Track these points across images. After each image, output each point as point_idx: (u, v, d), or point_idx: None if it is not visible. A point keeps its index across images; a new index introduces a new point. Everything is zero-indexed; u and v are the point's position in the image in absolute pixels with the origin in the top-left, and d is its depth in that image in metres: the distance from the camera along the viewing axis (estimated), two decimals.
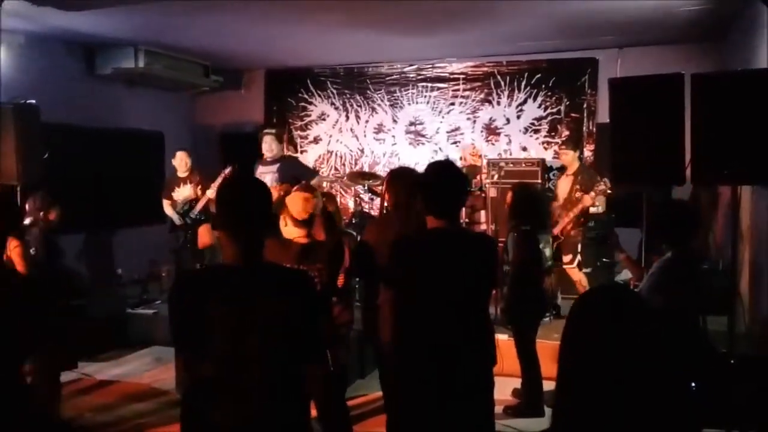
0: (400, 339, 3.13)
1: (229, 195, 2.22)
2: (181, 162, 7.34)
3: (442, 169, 3.16)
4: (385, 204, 4.17)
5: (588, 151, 8.36)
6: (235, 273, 2.13)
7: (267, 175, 6.53)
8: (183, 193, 7.30)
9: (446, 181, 3.06)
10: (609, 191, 6.13)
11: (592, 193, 6.16)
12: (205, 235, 7.20)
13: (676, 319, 3.47)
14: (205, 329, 2.05)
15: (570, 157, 6.71)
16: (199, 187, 7.21)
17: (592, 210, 6.38)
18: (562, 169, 7.10)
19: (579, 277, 6.50)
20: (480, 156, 7.82)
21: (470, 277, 3.01)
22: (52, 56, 7.58)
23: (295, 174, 6.24)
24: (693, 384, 3.52)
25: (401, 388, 3.13)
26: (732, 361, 4.24)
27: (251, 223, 2.16)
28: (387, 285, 3.36)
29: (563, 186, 6.69)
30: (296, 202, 3.54)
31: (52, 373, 4.25)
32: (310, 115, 9.80)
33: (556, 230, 6.21)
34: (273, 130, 7.04)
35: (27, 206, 4.29)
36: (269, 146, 6.73)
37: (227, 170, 6.70)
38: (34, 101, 6.00)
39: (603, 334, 1.38)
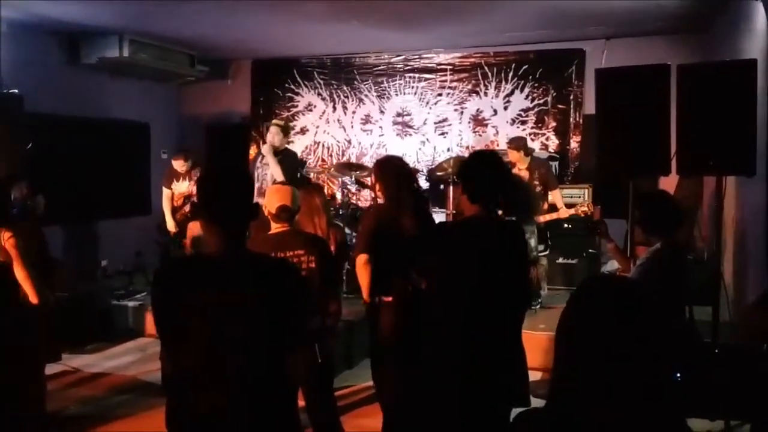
0: (429, 329, 3.19)
1: (210, 185, 2.21)
2: (181, 166, 7.19)
3: (483, 158, 3.39)
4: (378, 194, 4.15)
5: (574, 142, 8.39)
6: (216, 262, 2.12)
7: None
8: (180, 188, 7.20)
9: (486, 170, 3.21)
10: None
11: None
12: (194, 229, 7.14)
13: (666, 309, 3.51)
14: (186, 318, 2.04)
15: (516, 156, 6.66)
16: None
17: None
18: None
19: (544, 262, 6.62)
20: (468, 148, 7.81)
21: (507, 266, 3.10)
22: (35, 45, 7.46)
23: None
24: (678, 374, 3.55)
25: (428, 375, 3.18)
26: (716, 351, 4.28)
27: (232, 213, 2.14)
28: (422, 275, 3.43)
29: None
30: (269, 197, 3.63)
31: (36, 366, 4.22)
32: (296, 106, 9.74)
33: None
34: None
35: (13, 196, 4.25)
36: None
37: None
38: (17, 91, 5.94)
39: (603, 322, 1.39)
